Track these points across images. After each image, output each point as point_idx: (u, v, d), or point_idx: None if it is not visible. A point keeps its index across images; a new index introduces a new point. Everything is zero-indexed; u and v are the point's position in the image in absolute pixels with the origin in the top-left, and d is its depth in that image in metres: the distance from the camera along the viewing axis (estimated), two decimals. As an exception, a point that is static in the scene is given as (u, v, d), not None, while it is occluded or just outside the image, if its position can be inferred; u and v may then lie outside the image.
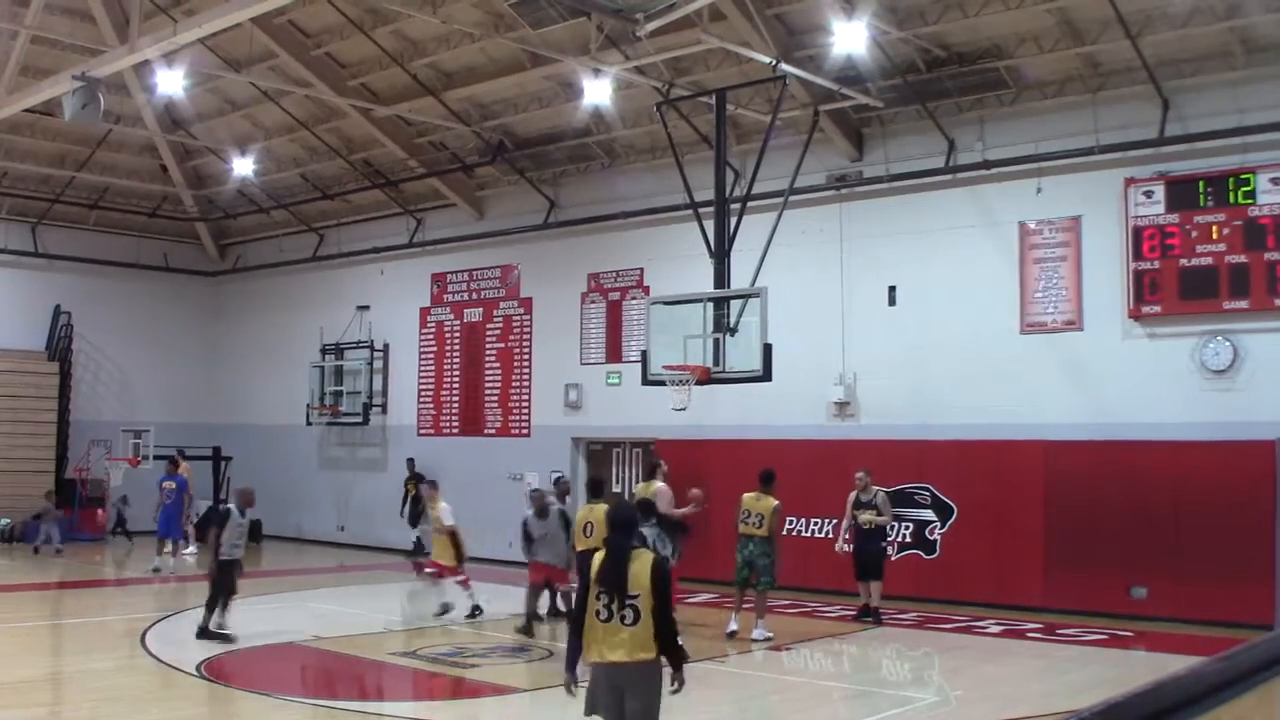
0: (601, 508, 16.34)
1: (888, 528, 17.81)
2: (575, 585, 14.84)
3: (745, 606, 15.92)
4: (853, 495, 17.26)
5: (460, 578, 17.44)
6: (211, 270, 33.11)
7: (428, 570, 18.04)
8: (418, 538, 25.41)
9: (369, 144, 26.58)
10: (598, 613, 7.10)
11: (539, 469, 24.36)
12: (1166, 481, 17.05)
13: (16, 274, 29.51)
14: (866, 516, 17.11)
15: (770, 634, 15.59)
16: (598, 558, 7.29)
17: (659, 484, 17.07)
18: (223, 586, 14.90)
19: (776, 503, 15.89)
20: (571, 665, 7.38)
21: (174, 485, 22.81)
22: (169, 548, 22.71)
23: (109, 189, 30.14)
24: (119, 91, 25.35)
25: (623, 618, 7.03)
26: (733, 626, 15.79)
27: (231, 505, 15.55)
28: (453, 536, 17.45)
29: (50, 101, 21.26)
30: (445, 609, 17.11)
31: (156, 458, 27.31)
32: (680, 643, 7.43)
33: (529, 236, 25.40)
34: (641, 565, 7.12)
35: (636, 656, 7.02)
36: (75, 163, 28.93)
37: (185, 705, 11.85)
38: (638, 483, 23.35)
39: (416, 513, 25.75)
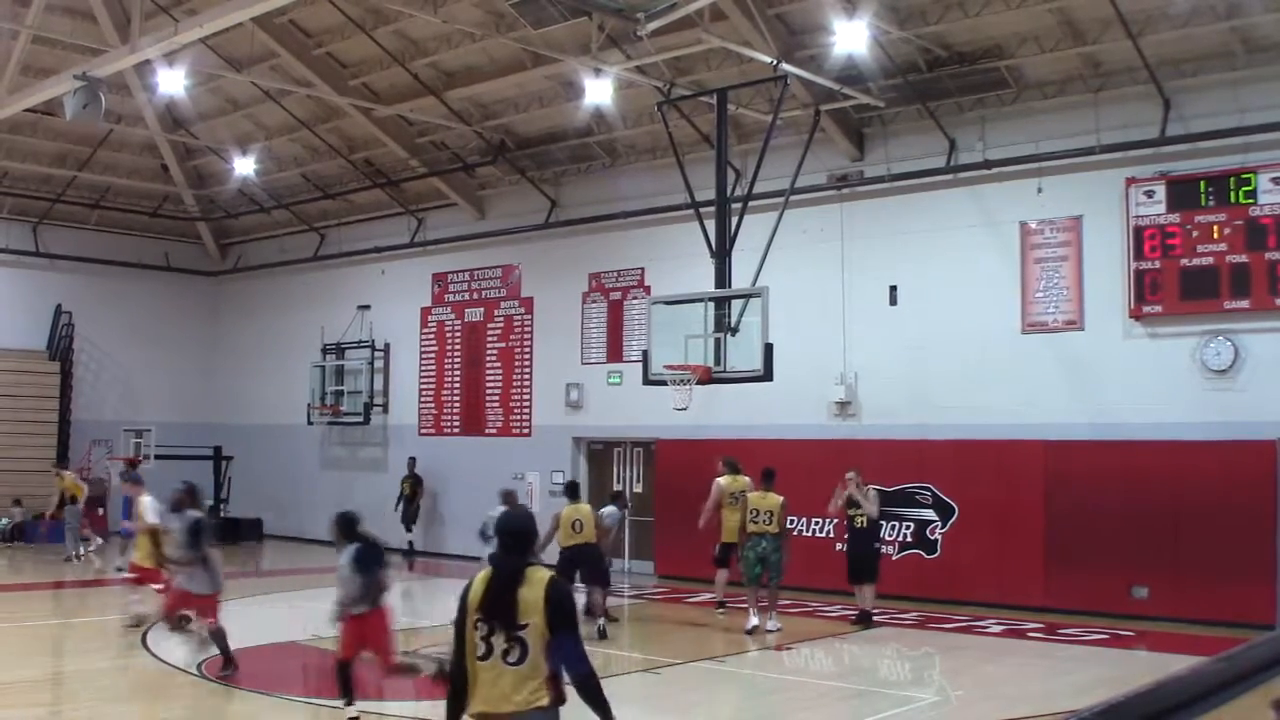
0: (586, 507, 16.65)
1: (880, 526, 17.55)
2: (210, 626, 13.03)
3: (760, 604, 16.32)
4: (845, 495, 16.78)
5: (159, 585, 15.13)
6: (212, 270, 33.11)
7: (127, 576, 16.05)
8: (410, 541, 25.51)
9: (370, 143, 26.59)
10: (476, 649, 5.62)
11: (540, 469, 24.40)
12: (1167, 481, 17.04)
13: (17, 274, 29.50)
14: (863, 508, 16.65)
15: (780, 625, 16.15)
16: (479, 579, 5.76)
17: (746, 478, 17.34)
18: None
19: (782, 499, 16.37)
20: (452, 712, 5.78)
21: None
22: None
23: (110, 188, 30.15)
24: (120, 91, 25.38)
25: (505, 654, 5.55)
26: (753, 622, 16.05)
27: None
28: (153, 535, 15.50)
29: (51, 101, 21.30)
30: (139, 621, 15.38)
31: (157, 457, 27.38)
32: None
33: (530, 236, 25.41)
34: (533, 588, 5.60)
35: (530, 704, 5.53)
36: (76, 162, 28.94)
37: (186, 704, 11.85)
38: (636, 483, 23.44)
39: (411, 512, 25.84)
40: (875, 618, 16.93)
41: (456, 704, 5.74)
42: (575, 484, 18.05)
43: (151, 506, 15.75)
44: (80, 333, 30.17)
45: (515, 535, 5.84)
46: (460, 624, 5.72)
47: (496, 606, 5.60)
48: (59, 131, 27.56)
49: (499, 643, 5.56)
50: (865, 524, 16.78)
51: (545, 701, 5.56)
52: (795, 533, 19.49)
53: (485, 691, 5.58)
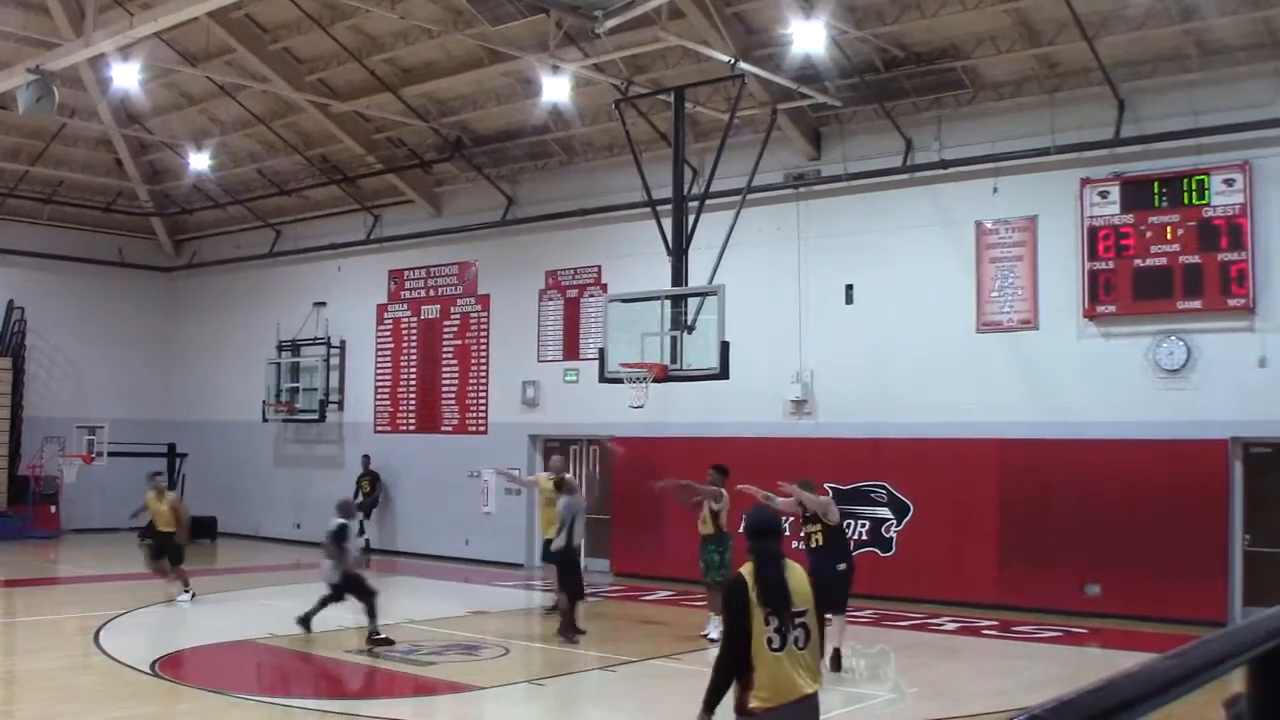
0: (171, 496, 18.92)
1: (845, 541, 14.48)
2: None
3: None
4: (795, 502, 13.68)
5: None
6: (167, 266, 32.84)
7: None
8: (366, 539, 25.36)
9: (326, 140, 26.43)
10: (769, 641, 5.96)
11: (496, 466, 24.35)
12: (1120, 480, 17.20)
13: (-32, 269, 29.21)
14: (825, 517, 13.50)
15: None
16: (747, 573, 6.15)
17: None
18: (366, 593, 14.80)
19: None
20: (712, 705, 6.18)
21: None
22: None
23: (63, 183, 29.85)
24: (74, 85, 25.09)
25: (796, 641, 6.02)
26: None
27: (344, 520, 15.23)
28: None
29: (4, 95, 21.08)
30: None
31: (111, 454, 27.16)
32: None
33: (487, 233, 25.34)
34: (797, 576, 6.20)
35: (817, 684, 6.14)
36: (29, 157, 28.63)
37: (140, 703, 11.75)
38: (593, 481, 23.43)
39: (368, 508, 25.67)
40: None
41: (721, 694, 6.14)
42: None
43: None
44: (33, 329, 29.83)
45: (771, 529, 6.49)
46: (745, 619, 6.02)
47: (776, 595, 6.03)
48: (11, 125, 27.24)
49: (787, 630, 6.00)
50: (822, 541, 13.61)
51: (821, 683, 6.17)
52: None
53: (785, 678, 5.99)
